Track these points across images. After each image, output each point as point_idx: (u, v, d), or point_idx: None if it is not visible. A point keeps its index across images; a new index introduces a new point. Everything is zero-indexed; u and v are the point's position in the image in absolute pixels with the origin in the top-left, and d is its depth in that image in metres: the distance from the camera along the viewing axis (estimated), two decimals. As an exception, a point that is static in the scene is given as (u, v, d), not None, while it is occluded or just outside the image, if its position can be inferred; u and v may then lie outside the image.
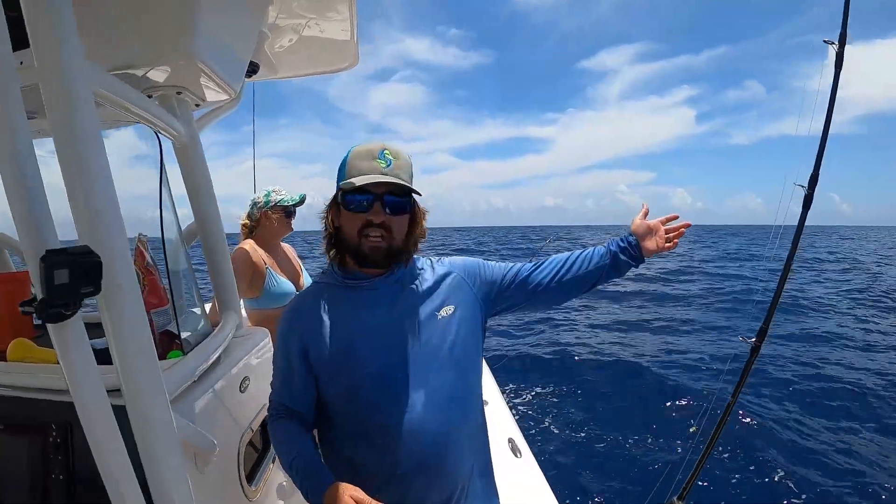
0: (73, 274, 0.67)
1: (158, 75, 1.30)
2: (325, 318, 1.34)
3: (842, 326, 11.07)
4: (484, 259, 1.50)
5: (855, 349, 9.21)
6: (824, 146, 2.57)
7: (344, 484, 1.21)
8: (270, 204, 2.92)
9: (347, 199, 1.29)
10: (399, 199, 1.30)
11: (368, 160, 1.28)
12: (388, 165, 1.28)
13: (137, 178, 1.59)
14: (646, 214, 1.51)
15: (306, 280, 3.14)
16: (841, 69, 2.52)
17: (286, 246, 3.20)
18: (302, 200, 2.98)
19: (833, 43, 2.53)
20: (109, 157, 0.84)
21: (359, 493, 1.19)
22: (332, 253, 1.37)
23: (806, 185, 2.58)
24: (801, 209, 2.62)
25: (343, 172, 1.31)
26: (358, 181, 1.24)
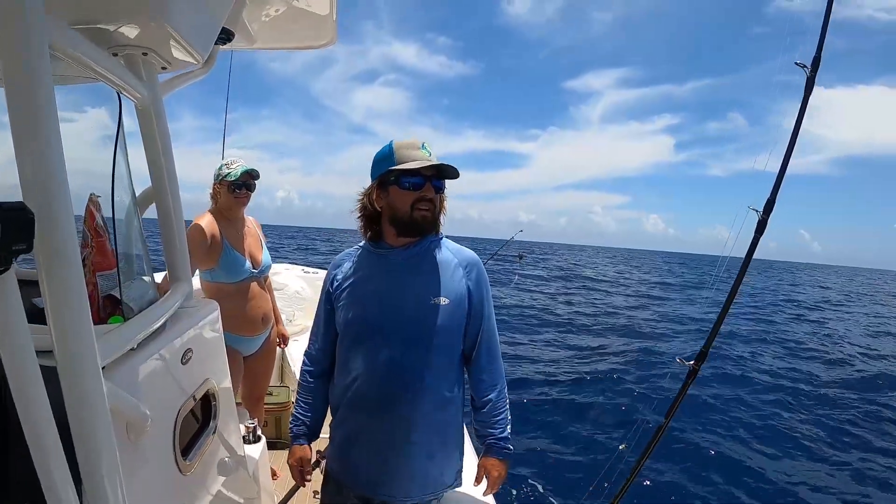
0: (6, 229, 0.65)
1: (125, 34, 1.27)
2: (352, 270, 1.82)
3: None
4: (487, 294, 1.83)
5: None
6: (784, 173, 2.60)
7: (300, 447, 1.92)
8: (219, 177, 2.87)
9: (403, 180, 1.67)
10: (440, 182, 1.72)
11: (415, 150, 1.68)
12: (430, 155, 1.69)
13: (96, 135, 1.55)
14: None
15: (266, 259, 3.10)
16: (811, 93, 2.54)
17: (251, 220, 3.15)
18: (246, 174, 2.86)
19: (805, 66, 2.55)
20: (74, 113, 0.82)
21: (301, 460, 1.92)
22: (366, 229, 1.80)
23: (761, 209, 2.62)
24: (753, 234, 2.66)
25: (391, 160, 1.68)
26: (415, 165, 1.65)
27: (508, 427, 1.85)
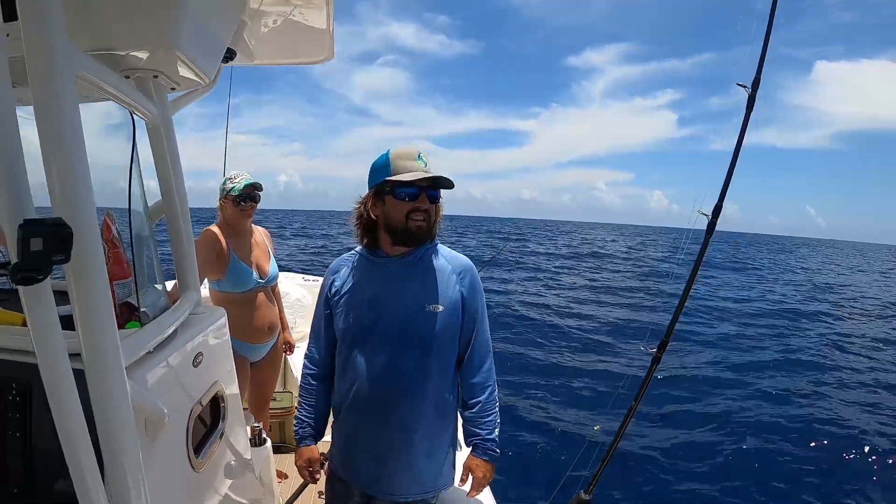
0: (47, 243, 0.73)
1: (137, 58, 1.35)
2: (349, 276, 1.86)
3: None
4: (481, 299, 1.89)
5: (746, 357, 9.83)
6: (730, 179, 2.75)
7: (308, 449, 1.96)
8: (224, 193, 2.94)
9: (398, 191, 1.70)
10: (436, 192, 1.75)
11: (411, 161, 1.71)
12: (426, 166, 1.72)
13: (113, 151, 1.63)
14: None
15: (273, 269, 3.17)
16: (752, 111, 2.70)
17: (260, 230, 3.23)
18: (249, 187, 2.93)
19: (745, 87, 2.71)
20: (88, 126, 0.90)
21: (310, 461, 1.95)
22: (362, 237, 1.83)
23: (710, 213, 2.78)
24: (704, 236, 2.80)
25: (388, 170, 1.72)
26: (410, 177, 1.67)
27: (496, 429, 1.88)
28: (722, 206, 2.76)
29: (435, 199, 1.76)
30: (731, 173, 2.74)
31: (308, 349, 2.01)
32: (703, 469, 5.48)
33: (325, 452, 2.05)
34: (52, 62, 0.84)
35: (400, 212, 1.72)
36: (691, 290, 2.83)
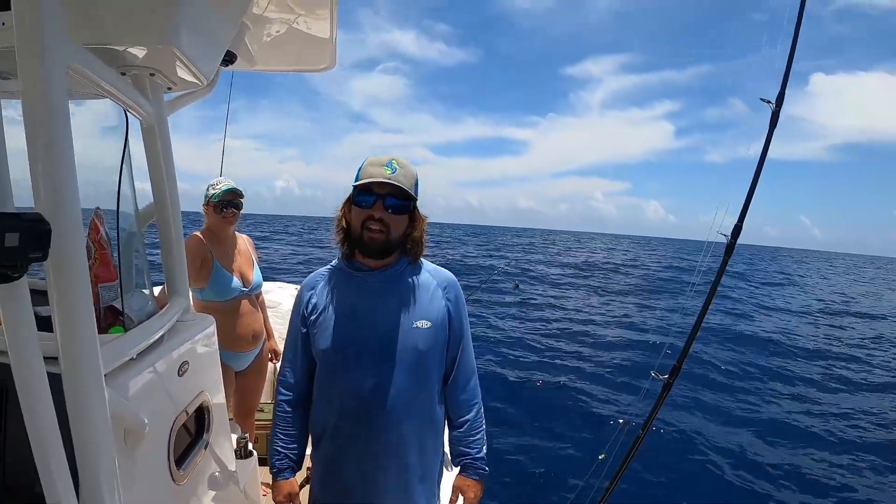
0: (24, 238, 0.70)
1: (134, 54, 1.32)
2: (326, 292, 1.74)
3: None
4: (465, 315, 1.81)
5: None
6: (751, 198, 2.67)
7: (287, 483, 1.79)
8: (206, 199, 2.91)
9: (357, 198, 1.62)
10: (398, 201, 1.61)
11: (378, 167, 1.60)
12: (394, 172, 1.59)
13: (104, 150, 1.60)
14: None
15: (257, 277, 3.12)
16: (775, 127, 2.64)
17: (244, 238, 3.18)
18: (229, 193, 2.89)
19: (770, 102, 2.64)
20: (79, 126, 0.87)
21: (290, 496, 1.79)
22: (343, 245, 1.72)
23: (729, 234, 2.70)
24: (723, 256, 2.73)
25: (357, 176, 1.63)
26: (364, 182, 1.58)
27: (484, 447, 1.82)
28: (742, 226, 2.68)
29: (396, 209, 1.62)
30: (753, 192, 2.68)
31: (281, 373, 1.85)
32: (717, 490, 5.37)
33: (302, 481, 1.94)
34: (43, 51, 0.81)
35: (358, 220, 1.63)
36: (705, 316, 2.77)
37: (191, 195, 3.08)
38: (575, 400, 7.88)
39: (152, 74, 1.41)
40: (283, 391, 1.82)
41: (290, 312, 1.82)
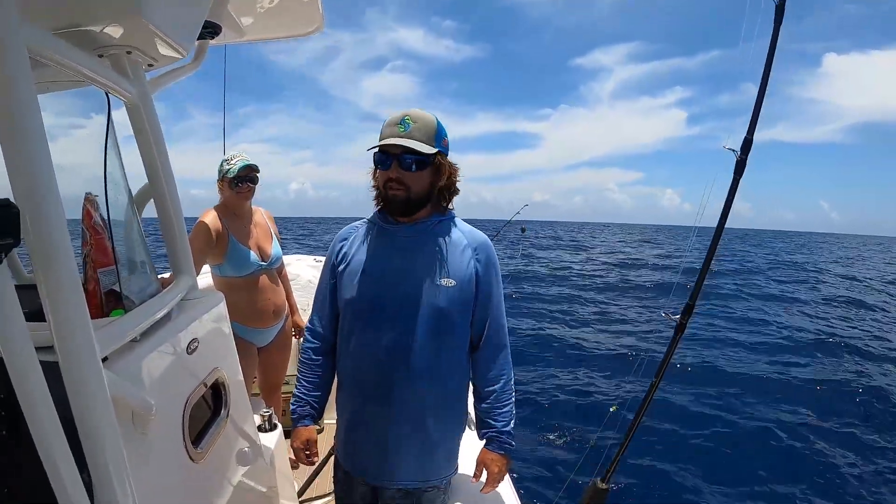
0: None
1: (108, 34, 1.28)
2: (357, 244, 1.77)
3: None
4: (496, 279, 1.76)
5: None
6: (759, 109, 2.50)
7: (305, 429, 1.84)
8: (220, 175, 2.89)
9: (375, 161, 1.65)
10: (413, 157, 1.59)
11: (392, 127, 1.59)
12: (406, 129, 1.58)
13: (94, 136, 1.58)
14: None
15: (276, 251, 3.12)
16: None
17: (262, 212, 3.18)
18: (246, 169, 2.86)
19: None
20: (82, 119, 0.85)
21: (308, 443, 1.84)
22: (377, 201, 1.74)
23: (738, 149, 2.55)
24: (732, 175, 2.58)
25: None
26: (376, 146, 1.60)
27: (512, 422, 1.78)
28: (752, 139, 2.51)
29: (410, 166, 1.60)
30: (761, 101, 2.48)
31: (310, 321, 1.89)
32: (724, 461, 5.31)
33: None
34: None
35: (381, 181, 1.68)
36: (716, 253, 2.64)
37: (206, 202, 3.08)
38: (584, 357, 7.90)
39: (129, 52, 1.37)
40: (310, 339, 1.87)
41: (316, 281, 1.89)
